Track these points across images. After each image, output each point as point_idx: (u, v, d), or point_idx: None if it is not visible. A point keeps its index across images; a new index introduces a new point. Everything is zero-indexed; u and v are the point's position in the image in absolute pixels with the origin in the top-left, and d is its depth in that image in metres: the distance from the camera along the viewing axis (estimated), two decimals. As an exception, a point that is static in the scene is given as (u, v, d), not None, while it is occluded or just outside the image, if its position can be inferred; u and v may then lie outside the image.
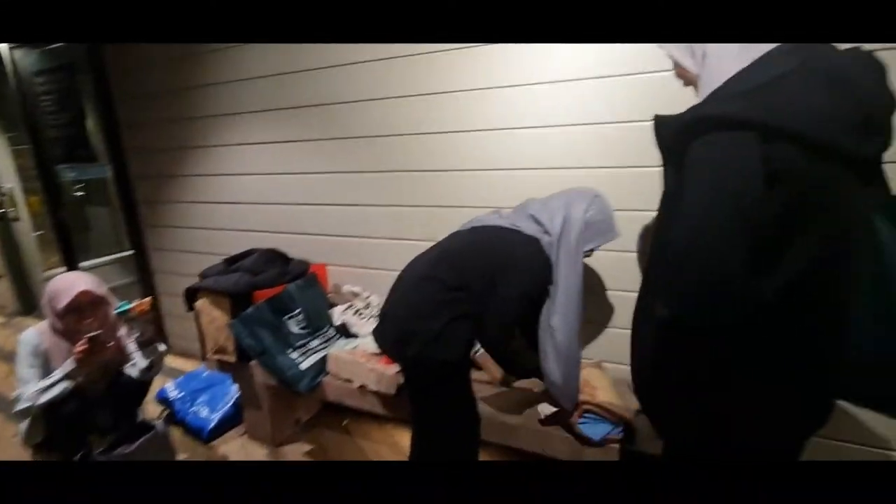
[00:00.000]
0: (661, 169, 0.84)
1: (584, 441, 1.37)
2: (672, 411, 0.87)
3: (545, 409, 1.47)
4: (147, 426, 1.74)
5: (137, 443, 1.63)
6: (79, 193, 3.72)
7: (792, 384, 0.76)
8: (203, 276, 1.98)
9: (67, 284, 1.61)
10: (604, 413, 1.38)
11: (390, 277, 2.04)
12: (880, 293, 0.70)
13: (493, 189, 1.83)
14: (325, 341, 1.90)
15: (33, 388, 1.52)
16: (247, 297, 1.86)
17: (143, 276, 2.93)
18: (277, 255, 2.07)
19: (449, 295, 1.23)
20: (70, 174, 3.53)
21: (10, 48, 2.93)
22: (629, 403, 1.40)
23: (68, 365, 1.53)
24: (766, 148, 0.64)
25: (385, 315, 1.38)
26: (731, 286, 0.68)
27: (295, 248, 2.21)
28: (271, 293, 1.85)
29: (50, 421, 1.56)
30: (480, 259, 1.27)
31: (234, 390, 2.20)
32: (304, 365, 1.79)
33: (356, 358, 1.74)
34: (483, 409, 1.47)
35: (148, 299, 1.65)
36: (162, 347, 1.74)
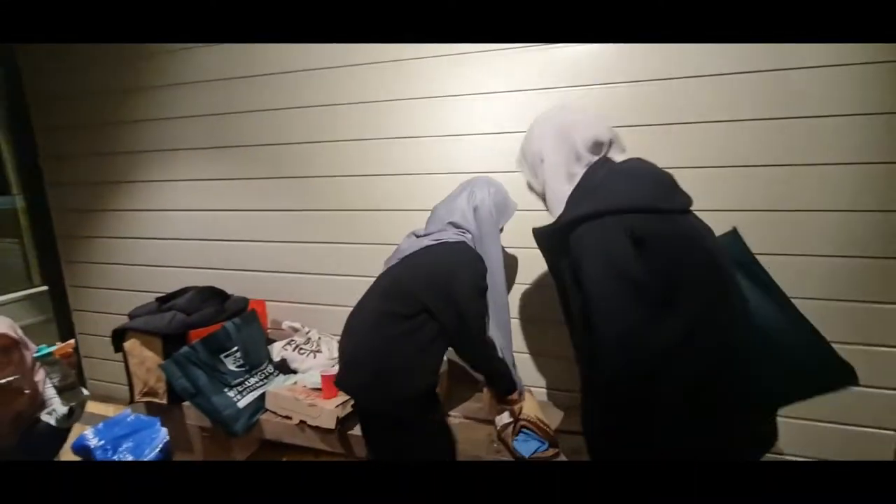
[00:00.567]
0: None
1: (516, 458, 1.49)
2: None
3: (503, 419, 1.57)
4: (65, 478, 1.63)
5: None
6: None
7: (715, 419, 0.88)
8: (132, 315, 1.92)
9: (-22, 328, 1.52)
10: (537, 430, 1.51)
11: (329, 312, 2.10)
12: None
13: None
14: (264, 378, 1.90)
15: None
16: (181, 337, 1.83)
17: (60, 315, 2.74)
18: (215, 293, 2.05)
19: (412, 324, 1.28)
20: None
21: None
22: (553, 424, 1.55)
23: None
24: (622, 221, 0.87)
25: (349, 363, 1.37)
26: (637, 337, 0.83)
27: (231, 284, 2.21)
28: (207, 332, 1.83)
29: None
30: (428, 279, 1.30)
31: (162, 435, 2.10)
32: (242, 403, 1.78)
33: (295, 394, 1.76)
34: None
35: (71, 342, 1.58)
36: (84, 392, 1.66)
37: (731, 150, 1.61)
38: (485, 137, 1.85)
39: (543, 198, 1.09)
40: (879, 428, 1.62)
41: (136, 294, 2.43)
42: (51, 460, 1.69)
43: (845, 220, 1.55)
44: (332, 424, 1.67)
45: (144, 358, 1.86)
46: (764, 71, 1.54)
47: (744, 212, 1.61)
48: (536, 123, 1.10)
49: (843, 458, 1.65)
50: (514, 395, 1.54)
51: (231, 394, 1.79)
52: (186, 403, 1.84)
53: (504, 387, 1.52)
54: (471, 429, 1.67)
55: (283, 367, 1.97)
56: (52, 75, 2.45)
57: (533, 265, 1.87)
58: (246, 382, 1.84)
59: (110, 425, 2.24)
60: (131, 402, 1.94)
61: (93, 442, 2.12)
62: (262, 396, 1.82)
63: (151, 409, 1.94)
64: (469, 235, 1.39)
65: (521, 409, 1.56)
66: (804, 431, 1.67)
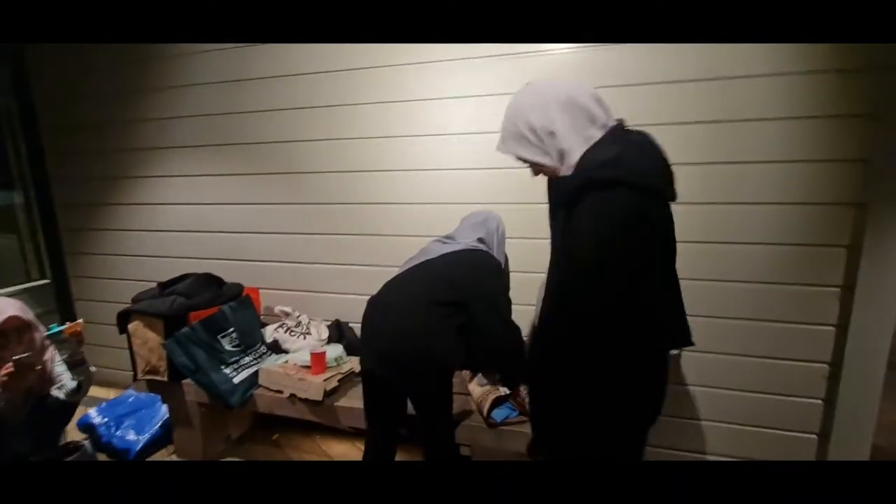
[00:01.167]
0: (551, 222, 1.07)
1: (490, 423, 1.67)
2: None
3: (483, 391, 1.75)
4: (75, 446, 1.78)
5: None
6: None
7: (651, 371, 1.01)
8: (136, 300, 2.08)
9: (-7, 310, 1.66)
10: (514, 402, 1.69)
11: (319, 298, 2.28)
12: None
13: (413, 220, 2.15)
14: (258, 357, 2.07)
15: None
16: (181, 319, 1.99)
17: (63, 305, 2.88)
18: (212, 279, 2.21)
19: (450, 310, 1.48)
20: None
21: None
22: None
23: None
24: (635, 195, 0.89)
25: (382, 338, 1.51)
26: (622, 297, 0.91)
27: (228, 273, 2.37)
28: (206, 314, 1.99)
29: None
30: (466, 277, 1.53)
31: (162, 413, 2.26)
32: (237, 379, 1.94)
33: (286, 371, 1.92)
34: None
35: (80, 321, 1.73)
36: (92, 368, 1.81)
37: (682, 149, 1.79)
38: (459, 137, 2.03)
39: (547, 171, 1.03)
40: (804, 397, 1.81)
41: (136, 284, 2.57)
42: (58, 438, 1.82)
43: (780, 211, 1.74)
44: (319, 396, 1.83)
45: (147, 338, 2.01)
46: (710, 79, 1.73)
47: (695, 204, 1.80)
48: (529, 100, 1.01)
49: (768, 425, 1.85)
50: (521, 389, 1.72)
51: (227, 371, 1.95)
52: (186, 381, 2.00)
53: (519, 377, 1.69)
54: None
55: (275, 348, 2.14)
56: (57, 76, 2.61)
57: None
58: (241, 361, 2.01)
59: (113, 405, 2.41)
60: (135, 379, 2.10)
61: (97, 420, 2.29)
62: (256, 373, 1.99)
63: (153, 386, 2.10)
64: (490, 250, 1.65)
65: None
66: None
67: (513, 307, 1.53)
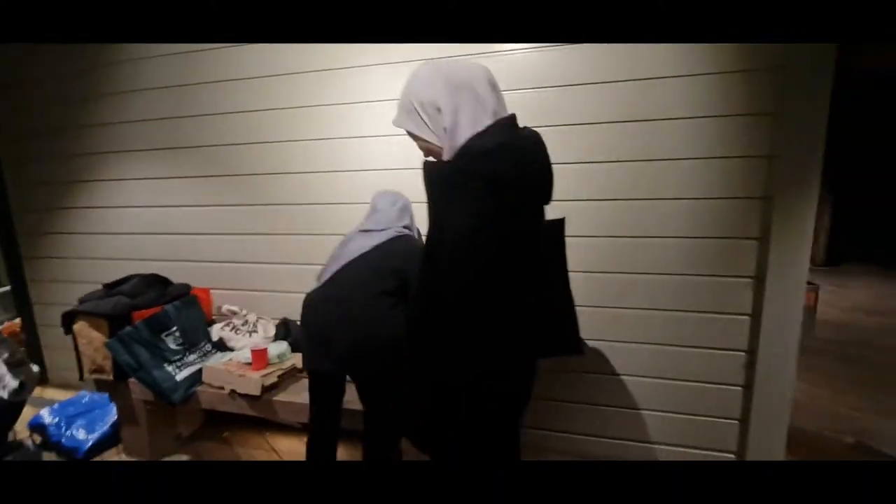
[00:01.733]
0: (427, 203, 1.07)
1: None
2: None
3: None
4: (17, 444, 1.82)
5: (6, 459, 1.73)
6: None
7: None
8: (82, 301, 2.12)
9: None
10: None
11: (268, 297, 2.33)
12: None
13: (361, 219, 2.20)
14: (202, 355, 2.11)
15: None
16: (125, 319, 2.04)
17: (22, 309, 2.90)
18: (157, 280, 2.26)
19: (395, 300, 1.49)
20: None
21: None
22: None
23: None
24: (505, 192, 0.90)
25: (332, 334, 1.51)
26: (487, 276, 0.92)
27: (181, 274, 2.42)
28: (149, 314, 2.04)
29: None
30: (406, 264, 1.51)
31: (113, 413, 2.30)
32: (180, 377, 1.99)
33: (228, 368, 1.97)
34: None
35: (17, 320, 1.77)
36: (34, 368, 1.85)
37: (608, 147, 1.87)
38: (402, 138, 2.09)
39: (433, 150, 1.04)
40: (725, 384, 1.89)
41: (92, 286, 2.60)
42: (4, 437, 1.86)
43: (695, 206, 1.81)
44: (257, 391, 1.88)
45: (92, 338, 2.05)
46: (631, 80, 1.80)
47: (618, 200, 1.87)
48: (422, 76, 1.01)
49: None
50: None
51: (170, 368, 2.00)
52: (132, 379, 2.04)
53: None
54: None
55: (221, 346, 2.18)
56: (11, 83, 2.64)
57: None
58: (185, 359, 2.05)
59: (65, 405, 2.43)
60: (81, 379, 2.13)
61: (48, 420, 2.32)
62: (199, 371, 2.03)
63: (101, 385, 2.14)
64: (413, 234, 1.69)
65: None
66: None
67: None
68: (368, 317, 1.48)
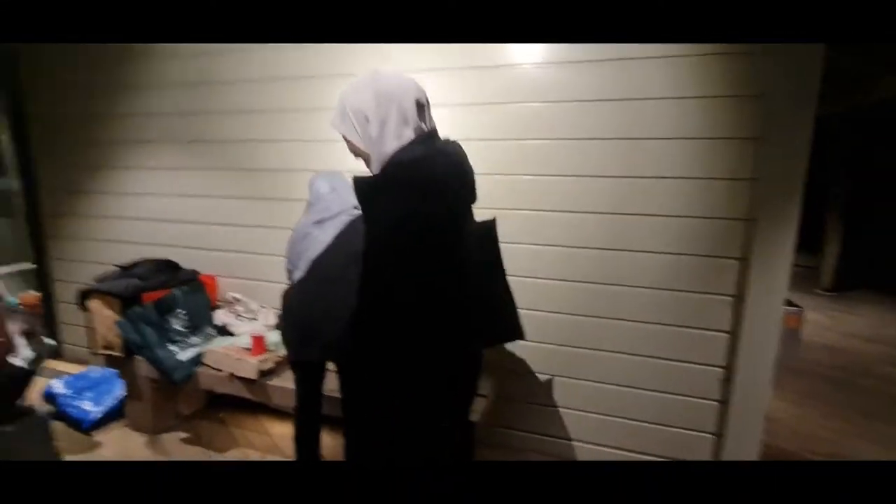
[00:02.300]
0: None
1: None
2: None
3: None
4: (29, 409, 1.95)
5: (17, 423, 1.85)
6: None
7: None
8: (98, 280, 2.26)
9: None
10: None
11: (273, 288, 2.45)
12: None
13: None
14: (205, 339, 2.24)
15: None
16: (136, 300, 2.17)
17: (42, 285, 3.07)
18: (169, 265, 2.39)
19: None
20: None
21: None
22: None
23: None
24: (426, 201, 0.97)
25: (316, 329, 1.52)
26: (407, 281, 1.00)
27: (191, 260, 2.55)
28: (158, 296, 2.17)
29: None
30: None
31: (119, 389, 2.43)
32: (182, 357, 2.11)
33: (228, 352, 2.09)
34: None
35: (38, 294, 1.91)
36: (49, 341, 1.98)
37: (601, 164, 1.95)
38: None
39: (361, 154, 1.10)
40: (702, 398, 1.94)
41: (108, 267, 2.76)
42: (16, 403, 1.99)
43: (680, 224, 1.88)
44: (254, 375, 1.99)
45: (105, 316, 2.19)
46: (625, 100, 1.88)
47: (606, 214, 1.95)
48: (357, 84, 1.07)
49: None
50: None
51: (174, 348, 2.12)
52: (139, 357, 2.17)
53: None
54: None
55: (223, 331, 2.30)
56: (44, 73, 2.82)
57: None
58: (188, 340, 2.18)
59: (77, 378, 2.58)
60: (93, 353, 2.27)
61: (59, 389, 2.46)
62: (201, 353, 2.15)
63: (111, 361, 2.27)
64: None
65: None
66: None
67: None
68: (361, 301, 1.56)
